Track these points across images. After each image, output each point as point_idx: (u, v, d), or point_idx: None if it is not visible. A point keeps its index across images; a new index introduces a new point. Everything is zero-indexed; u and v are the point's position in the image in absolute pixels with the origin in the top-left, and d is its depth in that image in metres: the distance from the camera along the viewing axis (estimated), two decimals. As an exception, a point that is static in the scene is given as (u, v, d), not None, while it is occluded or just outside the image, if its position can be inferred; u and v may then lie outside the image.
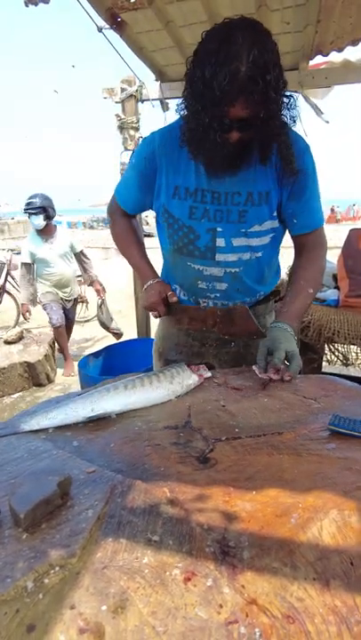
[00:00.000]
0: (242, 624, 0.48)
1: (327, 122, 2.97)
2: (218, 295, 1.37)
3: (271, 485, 0.73)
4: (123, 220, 1.49)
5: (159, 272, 1.49)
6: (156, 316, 1.44)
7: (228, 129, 1.07)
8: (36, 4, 1.62)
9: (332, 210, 26.85)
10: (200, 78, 1.01)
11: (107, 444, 0.89)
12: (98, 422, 0.99)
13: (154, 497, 0.68)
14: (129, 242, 1.48)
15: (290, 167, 1.18)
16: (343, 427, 0.90)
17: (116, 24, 2.16)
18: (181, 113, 1.14)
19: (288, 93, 1.10)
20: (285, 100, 1.09)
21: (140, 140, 3.36)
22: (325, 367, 2.69)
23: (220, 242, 1.28)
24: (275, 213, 1.28)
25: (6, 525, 0.62)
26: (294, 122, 1.16)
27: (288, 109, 1.11)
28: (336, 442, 0.87)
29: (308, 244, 1.35)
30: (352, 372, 2.79)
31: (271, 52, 0.99)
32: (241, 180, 1.21)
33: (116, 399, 1.03)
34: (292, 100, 1.11)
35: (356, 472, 0.76)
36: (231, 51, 0.96)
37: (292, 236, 1.37)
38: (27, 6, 1.63)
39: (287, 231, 1.37)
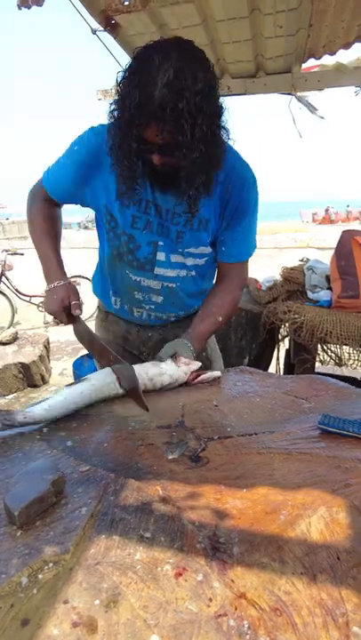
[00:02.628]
0: (231, 617, 0.49)
1: (322, 117, 2.99)
2: (153, 307, 1.38)
3: (262, 483, 0.74)
4: (43, 204, 1.33)
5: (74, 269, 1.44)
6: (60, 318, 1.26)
7: (147, 151, 1.04)
8: (29, 7, 1.63)
9: (327, 211, 26.98)
10: (120, 96, 1.00)
11: (100, 443, 0.90)
12: (92, 422, 1.00)
13: (146, 495, 0.70)
14: (43, 231, 1.31)
15: (191, 209, 1.12)
16: (333, 426, 0.92)
17: (111, 26, 2.17)
18: (109, 120, 1.08)
19: (224, 124, 1.05)
20: (217, 132, 1.04)
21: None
22: (318, 367, 2.71)
23: (161, 256, 1.27)
24: (209, 240, 1.28)
25: (1, 523, 0.63)
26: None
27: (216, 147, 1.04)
28: (326, 441, 0.89)
29: (230, 274, 1.36)
30: (345, 372, 2.81)
31: (193, 79, 0.93)
32: (184, 202, 1.14)
33: (101, 372, 1.10)
34: (225, 135, 1.07)
35: (345, 470, 0.78)
36: (147, 73, 0.93)
37: (218, 261, 1.36)
38: (19, 9, 1.63)
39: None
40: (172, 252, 1.27)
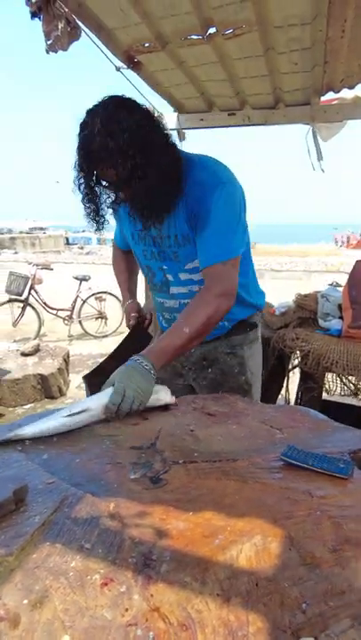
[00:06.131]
0: (140, 627, 0.54)
1: (323, 170, 3.07)
2: None
3: (209, 508, 0.79)
4: (116, 251, 1.81)
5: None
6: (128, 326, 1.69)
7: (111, 189, 1.24)
8: (56, 51, 1.79)
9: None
10: (76, 160, 1.20)
11: (73, 459, 0.97)
12: (70, 439, 1.07)
13: (97, 510, 0.76)
14: (117, 270, 1.80)
15: (144, 226, 1.32)
16: (295, 458, 0.95)
17: (133, 64, 2.32)
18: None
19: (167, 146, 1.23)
20: (159, 158, 1.18)
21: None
22: (325, 396, 2.69)
23: (170, 277, 1.44)
24: None
25: None
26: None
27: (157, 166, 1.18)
28: (285, 472, 0.92)
29: (207, 280, 1.31)
30: (355, 402, 2.77)
31: (117, 122, 1.11)
32: (166, 225, 1.35)
33: (92, 398, 1.15)
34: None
35: (293, 502, 0.81)
36: (84, 131, 1.15)
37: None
38: (47, 53, 1.79)
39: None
40: (178, 272, 1.42)
